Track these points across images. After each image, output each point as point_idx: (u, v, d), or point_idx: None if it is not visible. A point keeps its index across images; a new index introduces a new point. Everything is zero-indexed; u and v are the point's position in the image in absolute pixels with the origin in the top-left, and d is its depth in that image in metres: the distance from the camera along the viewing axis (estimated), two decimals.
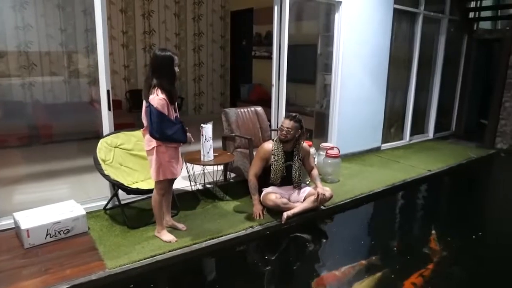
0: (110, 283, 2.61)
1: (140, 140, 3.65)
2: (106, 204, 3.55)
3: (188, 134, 3.05)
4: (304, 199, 3.73)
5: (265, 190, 3.71)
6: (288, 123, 3.55)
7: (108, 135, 3.50)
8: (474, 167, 5.95)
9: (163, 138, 2.83)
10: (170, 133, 2.83)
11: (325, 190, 3.72)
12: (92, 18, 3.36)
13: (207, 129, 3.80)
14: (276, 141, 3.67)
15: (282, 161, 3.63)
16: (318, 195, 3.63)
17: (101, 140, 3.41)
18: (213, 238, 3.17)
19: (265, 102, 6.98)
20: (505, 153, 6.46)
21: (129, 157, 3.57)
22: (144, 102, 2.86)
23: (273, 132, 4.77)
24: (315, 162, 4.37)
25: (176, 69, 2.88)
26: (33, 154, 5.22)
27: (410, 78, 6.51)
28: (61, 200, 3.37)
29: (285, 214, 3.53)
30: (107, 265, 2.71)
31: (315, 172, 3.85)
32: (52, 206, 3.23)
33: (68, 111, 6.24)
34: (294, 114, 3.63)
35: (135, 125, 5.43)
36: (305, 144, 3.78)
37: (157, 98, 2.75)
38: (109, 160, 3.37)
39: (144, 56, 7.25)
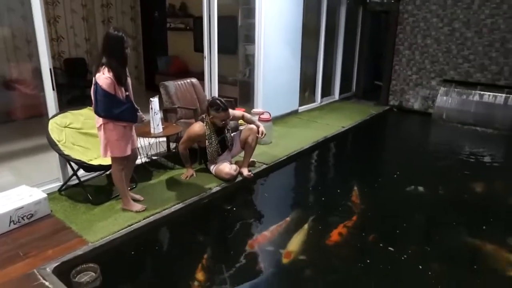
0: (96, 255, 2.71)
1: (88, 118, 3.64)
2: (64, 184, 3.50)
3: (139, 114, 3.10)
4: (242, 147, 4.10)
5: (215, 167, 3.98)
6: (226, 115, 3.74)
7: (55, 115, 3.40)
8: (375, 121, 7.02)
9: (109, 116, 2.86)
10: (117, 112, 2.86)
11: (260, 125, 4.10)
12: None
13: (155, 102, 3.91)
14: (207, 122, 3.83)
15: (216, 142, 3.89)
16: (259, 132, 3.99)
17: (51, 121, 3.33)
18: (179, 203, 3.41)
19: (185, 74, 7.08)
20: (397, 108, 7.70)
21: (80, 136, 3.53)
22: (94, 79, 2.88)
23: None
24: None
25: (127, 51, 2.89)
26: None
27: (319, 46, 7.23)
28: (6, 188, 3.22)
29: (245, 173, 3.95)
30: (89, 240, 2.81)
31: (246, 115, 4.14)
32: (5, 193, 3.11)
33: None
34: (220, 102, 3.72)
35: None
36: None
37: (102, 77, 2.77)
38: (62, 141, 3.31)
39: (50, 30, 6.68)
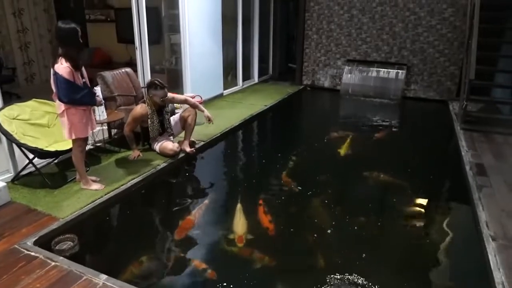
0: (69, 228, 3.03)
1: (34, 110, 3.83)
2: (18, 173, 3.65)
3: (97, 97, 3.49)
4: (183, 127, 4.59)
5: (158, 144, 4.41)
6: (163, 93, 4.16)
7: (1, 108, 3.54)
8: (293, 99, 7.91)
9: (71, 101, 3.19)
10: (78, 97, 3.21)
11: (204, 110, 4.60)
12: None
13: (98, 91, 4.17)
14: (148, 103, 4.25)
15: (157, 121, 4.34)
16: (207, 117, 4.54)
17: None
18: (134, 178, 3.81)
19: (109, 65, 7.22)
20: (310, 87, 8.71)
21: (29, 127, 3.69)
22: (52, 69, 3.16)
23: (144, 89, 5.33)
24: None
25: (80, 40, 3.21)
26: None
27: (237, 33, 7.82)
28: None
29: (187, 149, 4.43)
30: (59, 216, 3.10)
31: (190, 100, 4.58)
32: None
33: None
34: (158, 82, 4.11)
35: None
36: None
37: (62, 67, 3.09)
38: (14, 132, 3.47)
39: None
